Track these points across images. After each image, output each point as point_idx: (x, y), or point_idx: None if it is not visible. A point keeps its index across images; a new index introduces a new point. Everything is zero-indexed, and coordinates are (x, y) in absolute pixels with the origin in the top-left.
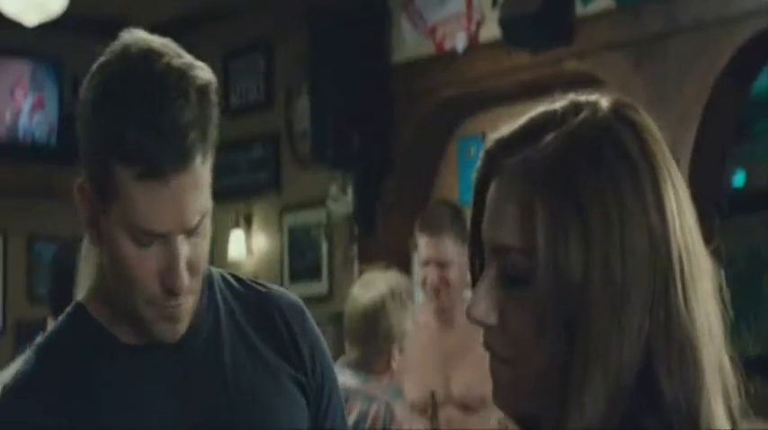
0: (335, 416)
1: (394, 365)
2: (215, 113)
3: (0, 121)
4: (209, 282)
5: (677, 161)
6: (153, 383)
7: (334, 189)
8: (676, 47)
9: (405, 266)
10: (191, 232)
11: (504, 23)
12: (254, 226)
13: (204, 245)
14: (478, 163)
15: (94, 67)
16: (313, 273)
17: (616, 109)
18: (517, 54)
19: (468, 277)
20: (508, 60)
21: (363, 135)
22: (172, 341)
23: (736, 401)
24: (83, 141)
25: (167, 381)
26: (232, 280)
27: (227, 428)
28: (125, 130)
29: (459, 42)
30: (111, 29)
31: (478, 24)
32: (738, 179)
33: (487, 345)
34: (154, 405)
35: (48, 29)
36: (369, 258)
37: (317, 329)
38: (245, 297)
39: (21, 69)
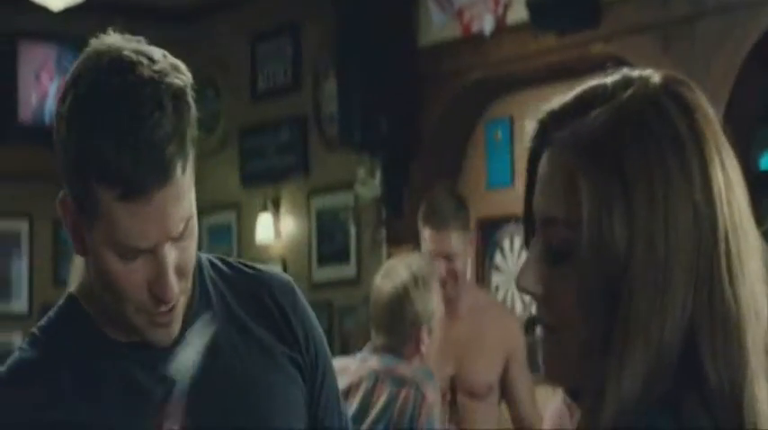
0: (330, 394)
1: (423, 349)
2: (192, 115)
3: (26, 105)
4: (198, 268)
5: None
6: (146, 370)
7: (361, 172)
8: (703, 29)
9: None
10: (176, 240)
11: (531, 6)
12: (282, 209)
13: (192, 245)
14: (532, 133)
15: (68, 77)
16: (341, 256)
17: (667, 85)
18: (544, 36)
19: (469, 265)
20: (535, 43)
21: (391, 118)
22: (165, 344)
23: None
24: (60, 156)
25: (161, 368)
26: (220, 264)
27: (225, 415)
28: (102, 151)
29: (487, 25)
30: (136, 12)
31: (506, 7)
32: (765, 161)
33: (537, 315)
34: (149, 398)
35: (73, 13)
36: (397, 241)
37: (308, 307)
38: (234, 280)
39: (47, 53)
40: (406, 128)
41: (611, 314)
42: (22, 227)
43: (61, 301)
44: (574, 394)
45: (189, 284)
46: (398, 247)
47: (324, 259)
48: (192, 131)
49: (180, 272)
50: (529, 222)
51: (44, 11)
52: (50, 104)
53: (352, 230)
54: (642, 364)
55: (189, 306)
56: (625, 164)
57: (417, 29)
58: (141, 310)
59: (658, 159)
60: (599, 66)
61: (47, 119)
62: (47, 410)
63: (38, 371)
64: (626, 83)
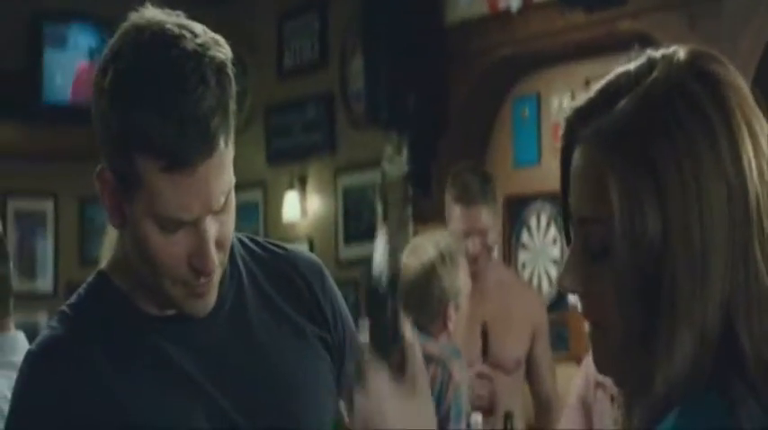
0: None
1: (450, 326)
2: (233, 89)
3: (51, 85)
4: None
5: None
6: (179, 347)
7: (388, 150)
8: (730, 6)
9: None
10: (217, 212)
11: None
12: (309, 187)
13: (231, 219)
14: (561, 132)
15: (107, 52)
16: (368, 234)
17: (692, 62)
18: (572, 13)
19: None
20: (563, 20)
21: (418, 95)
22: (202, 315)
23: None
24: (100, 130)
25: (195, 349)
26: (250, 243)
27: (257, 391)
28: (146, 124)
29: (514, 2)
30: None
31: None
32: None
33: (582, 312)
34: (182, 372)
35: None
36: (424, 219)
37: (335, 287)
38: (264, 259)
39: (72, 33)
40: (433, 105)
41: (651, 305)
42: (48, 206)
43: (91, 278)
44: (622, 384)
45: (226, 258)
46: (425, 225)
47: (350, 237)
48: (233, 104)
49: (219, 244)
50: (568, 221)
51: None
52: (75, 84)
53: (379, 208)
54: (690, 347)
55: (221, 282)
56: (653, 154)
57: (444, 5)
58: (179, 283)
59: (687, 144)
60: (626, 42)
61: (71, 99)
62: (79, 386)
63: (69, 348)
64: (650, 66)
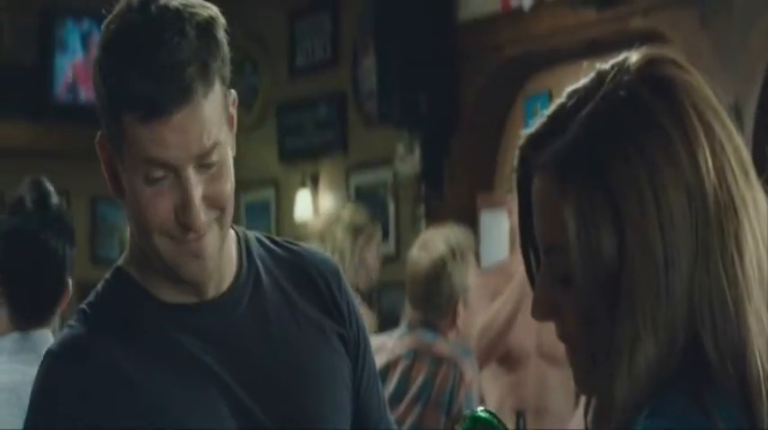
0: (371, 371)
1: (459, 322)
2: (221, 49)
3: (62, 84)
4: (245, 243)
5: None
6: (199, 341)
7: (400, 148)
8: (741, 3)
9: (472, 225)
10: (202, 164)
11: None
12: (321, 186)
13: (222, 178)
14: (515, 162)
15: (102, 26)
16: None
17: (643, 68)
18: (583, 11)
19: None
20: (574, 17)
21: (430, 94)
22: (200, 279)
23: None
24: (96, 99)
25: (214, 339)
26: (266, 241)
27: (275, 385)
28: (124, 77)
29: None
30: None
31: None
32: None
33: (557, 334)
34: (201, 362)
35: None
36: (436, 217)
37: (349, 286)
38: (281, 256)
39: (82, 31)
40: (446, 103)
41: (613, 322)
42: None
43: (108, 274)
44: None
45: (224, 224)
46: (437, 224)
47: None
48: (221, 66)
49: (210, 202)
50: (527, 251)
51: None
52: (87, 82)
53: (391, 207)
54: (653, 358)
55: (237, 276)
56: (607, 174)
57: (456, 4)
58: (167, 237)
59: (641, 157)
60: (638, 40)
61: (83, 97)
62: (100, 384)
63: (88, 346)
64: (600, 81)
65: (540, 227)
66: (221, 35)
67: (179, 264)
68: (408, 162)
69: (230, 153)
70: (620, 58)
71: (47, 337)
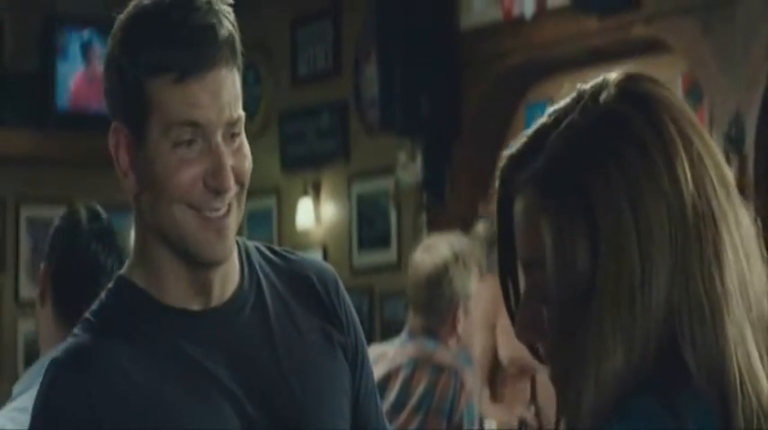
0: (369, 380)
1: (459, 329)
2: (238, 39)
3: (65, 92)
4: (246, 252)
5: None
6: (203, 348)
7: (402, 156)
8: (743, 12)
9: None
10: (229, 131)
11: None
12: (323, 194)
13: (244, 156)
14: (496, 183)
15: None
16: (382, 241)
17: (621, 84)
18: (585, 19)
19: None
20: (576, 26)
21: (432, 102)
22: (219, 258)
23: None
24: (111, 81)
25: (217, 346)
26: (266, 250)
27: (279, 390)
28: (156, 42)
29: (528, 8)
30: None
31: None
32: None
33: (543, 356)
34: (205, 368)
35: None
36: (438, 226)
37: (347, 294)
38: (280, 265)
39: (85, 39)
40: (447, 112)
41: (585, 334)
42: (62, 213)
43: (110, 284)
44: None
45: (241, 205)
46: (439, 232)
47: (364, 244)
48: (238, 53)
49: (235, 175)
50: (504, 278)
51: None
52: (91, 90)
53: (393, 215)
54: (621, 364)
55: (239, 285)
56: (585, 188)
57: (458, 12)
58: (192, 209)
59: (618, 170)
60: (640, 48)
61: (86, 105)
62: (107, 391)
63: (94, 353)
64: (579, 99)
65: (521, 245)
66: (235, 28)
67: (199, 241)
68: (410, 170)
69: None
70: (597, 80)
71: None
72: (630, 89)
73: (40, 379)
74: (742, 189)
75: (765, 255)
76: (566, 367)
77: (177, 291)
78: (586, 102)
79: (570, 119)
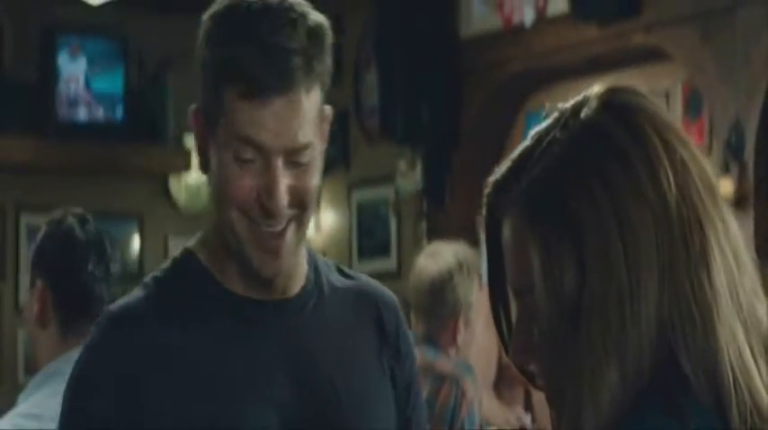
0: (419, 415)
1: (459, 340)
2: (326, 56)
3: (63, 101)
4: (314, 259)
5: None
6: (261, 336)
7: (402, 164)
8: (743, 20)
9: (474, 241)
10: (291, 160)
11: None
12: (323, 202)
13: (309, 178)
14: (483, 209)
15: (205, 19)
16: (382, 249)
17: (603, 96)
18: (585, 27)
19: None
20: (576, 34)
21: (432, 110)
22: (269, 275)
23: None
24: (200, 69)
25: (275, 337)
26: (333, 266)
27: (326, 394)
28: (232, 52)
29: (527, 16)
30: (174, 7)
31: None
32: None
33: (540, 382)
34: (259, 360)
35: (112, 7)
36: (438, 234)
37: (407, 327)
38: (345, 282)
39: (85, 48)
40: (447, 120)
41: (577, 355)
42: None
43: (177, 254)
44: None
45: (303, 224)
46: (440, 240)
47: (364, 252)
48: (322, 72)
49: (293, 196)
50: (495, 305)
51: (82, 5)
52: (88, 98)
53: (393, 223)
54: (616, 381)
55: (304, 286)
56: (570, 209)
57: (458, 20)
58: (247, 219)
59: (600, 183)
60: (640, 56)
61: (86, 114)
62: (153, 352)
63: (148, 314)
64: (560, 118)
65: (511, 270)
66: (328, 44)
67: (253, 253)
68: (410, 178)
69: (320, 159)
70: (577, 98)
71: None
72: (611, 101)
73: (44, 388)
74: (742, 196)
75: (756, 258)
76: (560, 388)
77: (239, 278)
78: (567, 119)
79: (551, 137)
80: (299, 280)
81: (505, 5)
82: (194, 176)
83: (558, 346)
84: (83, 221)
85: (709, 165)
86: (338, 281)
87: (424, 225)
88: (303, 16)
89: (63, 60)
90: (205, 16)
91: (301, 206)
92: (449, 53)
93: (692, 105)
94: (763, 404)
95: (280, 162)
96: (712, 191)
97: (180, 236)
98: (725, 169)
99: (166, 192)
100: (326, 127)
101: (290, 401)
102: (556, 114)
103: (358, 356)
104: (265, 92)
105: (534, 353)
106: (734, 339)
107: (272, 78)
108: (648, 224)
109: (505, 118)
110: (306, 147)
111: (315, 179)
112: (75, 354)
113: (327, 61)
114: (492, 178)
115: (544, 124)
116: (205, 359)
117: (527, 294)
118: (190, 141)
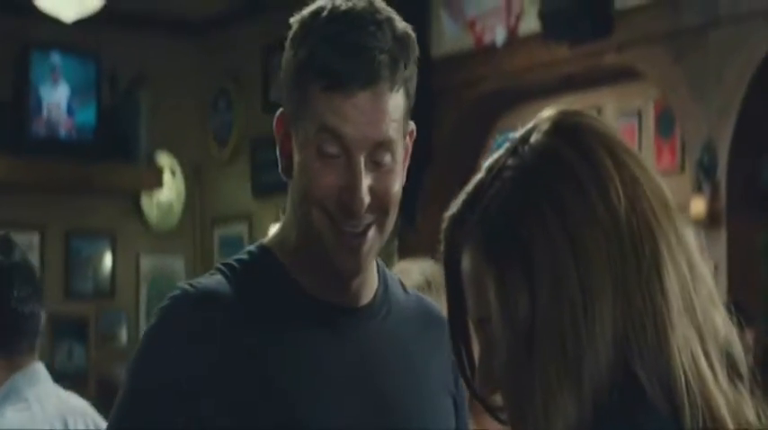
0: None
1: None
2: (411, 60)
3: (39, 118)
4: (384, 272)
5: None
6: (333, 343)
7: None
8: (715, 39)
9: None
10: (374, 159)
11: (543, 16)
12: None
13: (392, 181)
14: (442, 245)
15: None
16: None
17: (551, 121)
18: (556, 47)
19: None
20: (548, 53)
21: None
22: (350, 272)
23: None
24: (283, 73)
25: (347, 345)
26: (400, 282)
27: (396, 412)
28: (316, 48)
29: (499, 36)
30: (149, 24)
31: (518, 17)
32: None
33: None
34: (331, 364)
35: (86, 24)
36: (409, 252)
37: None
38: (412, 298)
39: (59, 65)
40: (419, 139)
41: (532, 380)
42: (34, 238)
43: (252, 248)
44: None
45: (385, 228)
46: (411, 258)
47: None
48: (408, 77)
49: (374, 197)
50: (456, 341)
51: (57, 22)
52: (62, 116)
53: None
54: (572, 406)
55: (374, 297)
56: (522, 238)
57: (430, 40)
58: (328, 218)
59: (550, 206)
60: (611, 76)
61: (59, 131)
62: (227, 339)
63: (228, 300)
64: (511, 146)
65: (471, 302)
66: (414, 52)
67: (335, 254)
68: None
69: (402, 167)
70: (528, 125)
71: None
72: (560, 125)
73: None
74: (715, 215)
75: (711, 267)
76: (522, 416)
77: (315, 279)
78: (518, 146)
79: (502, 165)
80: (371, 288)
81: (477, 25)
82: (166, 194)
83: (517, 375)
84: (4, 245)
85: (661, 180)
86: (402, 295)
87: (395, 243)
88: (389, 20)
89: (36, 78)
90: (292, 20)
91: (382, 209)
92: (420, 72)
93: (665, 124)
94: (717, 408)
95: (362, 159)
96: (665, 203)
97: (151, 253)
98: (697, 188)
99: (138, 209)
100: (410, 141)
101: (358, 408)
102: (507, 144)
103: (425, 371)
104: (350, 84)
105: (497, 381)
106: (687, 346)
107: (357, 71)
108: (601, 243)
109: (477, 137)
110: (389, 144)
111: (397, 184)
112: (25, 370)
113: (413, 69)
114: (448, 213)
115: (496, 154)
116: (278, 357)
117: (487, 325)
118: (162, 159)
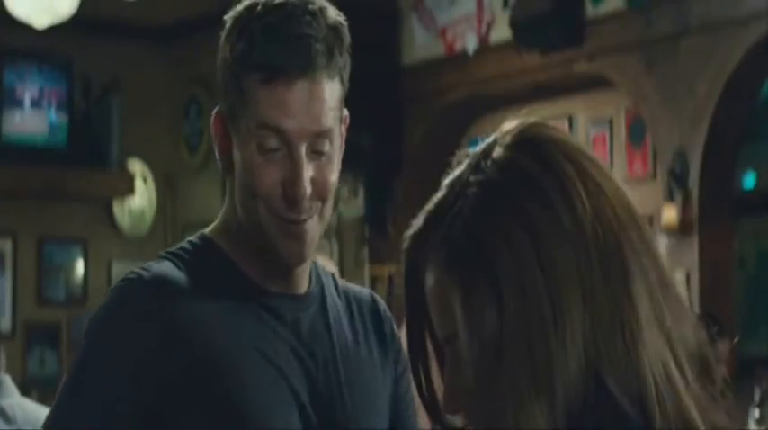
0: (411, 414)
1: None
2: (345, 50)
3: (10, 124)
4: (314, 265)
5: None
6: (278, 328)
7: (344, 191)
8: (687, 48)
9: None
10: (314, 149)
11: (514, 24)
12: None
13: (329, 172)
14: (403, 264)
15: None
16: None
17: (511, 134)
18: (528, 55)
19: None
20: (519, 61)
21: (374, 137)
22: (295, 262)
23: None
24: (220, 71)
25: (291, 331)
26: (331, 275)
27: (337, 400)
28: (253, 41)
29: (470, 43)
30: (120, 31)
31: (489, 25)
32: (749, 181)
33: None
34: (277, 349)
35: (58, 31)
36: (380, 260)
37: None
38: (340, 286)
39: (31, 71)
40: (390, 147)
41: (502, 397)
42: (6, 245)
43: (193, 238)
44: None
45: (325, 215)
46: (381, 266)
47: None
48: (342, 66)
49: (316, 188)
50: (415, 364)
51: (29, 29)
52: (33, 123)
53: (336, 249)
54: (540, 415)
55: (309, 286)
56: (486, 254)
57: (401, 48)
58: (272, 212)
59: (516, 219)
60: (583, 84)
61: (32, 138)
62: (177, 318)
63: (178, 282)
64: (472, 163)
65: (436, 321)
66: (347, 42)
67: (279, 244)
68: (352, 205)
69: (339, 155)
70: (489, 138)
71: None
72: (521, 137)
73: None
74: (687, 224)
75: (683, 275)
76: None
77: (258, 267)
78: (479, 161)
79: (464, 181)
80: (307, 278)
81: (448, 33)
82: (138, 201)
83: (486, 391)
84: None
85: (622, 184)
86: (332, 284)
87: (365, 251)
88: (322, 10)
89: (9, 84)
90: (227, 16)
91: (322, 198)
92: (391, 80)
93: (636, 133)
94: (689, 414)
95: (303, 150)
96: (629, 209)
97: (124, 260)
98: (669, 197)
99: (110, 216)
100: (344, 128)
101: (307, 392)
102: (468, 160)
103: (361, 356)
104: (287, 74)
105: (464, 401)
106: (657, 354)
107: (295, 60)
108: (568, 253)
109: (448, 145)
110: (327, 133)
111: (335, 174)
112: None
113: (347, 58)
114: (409, 232)
115: (456, 171)
116: (224, 335)
117: (451, 341)
118: (134, 165)
